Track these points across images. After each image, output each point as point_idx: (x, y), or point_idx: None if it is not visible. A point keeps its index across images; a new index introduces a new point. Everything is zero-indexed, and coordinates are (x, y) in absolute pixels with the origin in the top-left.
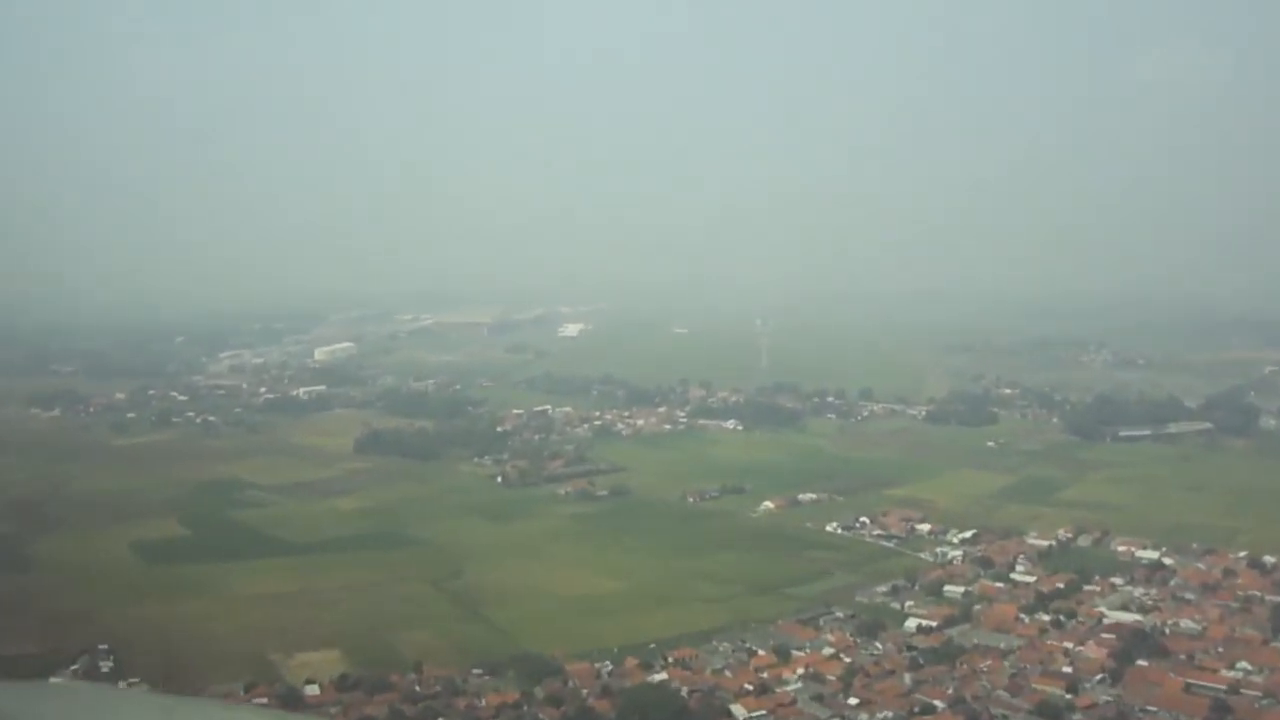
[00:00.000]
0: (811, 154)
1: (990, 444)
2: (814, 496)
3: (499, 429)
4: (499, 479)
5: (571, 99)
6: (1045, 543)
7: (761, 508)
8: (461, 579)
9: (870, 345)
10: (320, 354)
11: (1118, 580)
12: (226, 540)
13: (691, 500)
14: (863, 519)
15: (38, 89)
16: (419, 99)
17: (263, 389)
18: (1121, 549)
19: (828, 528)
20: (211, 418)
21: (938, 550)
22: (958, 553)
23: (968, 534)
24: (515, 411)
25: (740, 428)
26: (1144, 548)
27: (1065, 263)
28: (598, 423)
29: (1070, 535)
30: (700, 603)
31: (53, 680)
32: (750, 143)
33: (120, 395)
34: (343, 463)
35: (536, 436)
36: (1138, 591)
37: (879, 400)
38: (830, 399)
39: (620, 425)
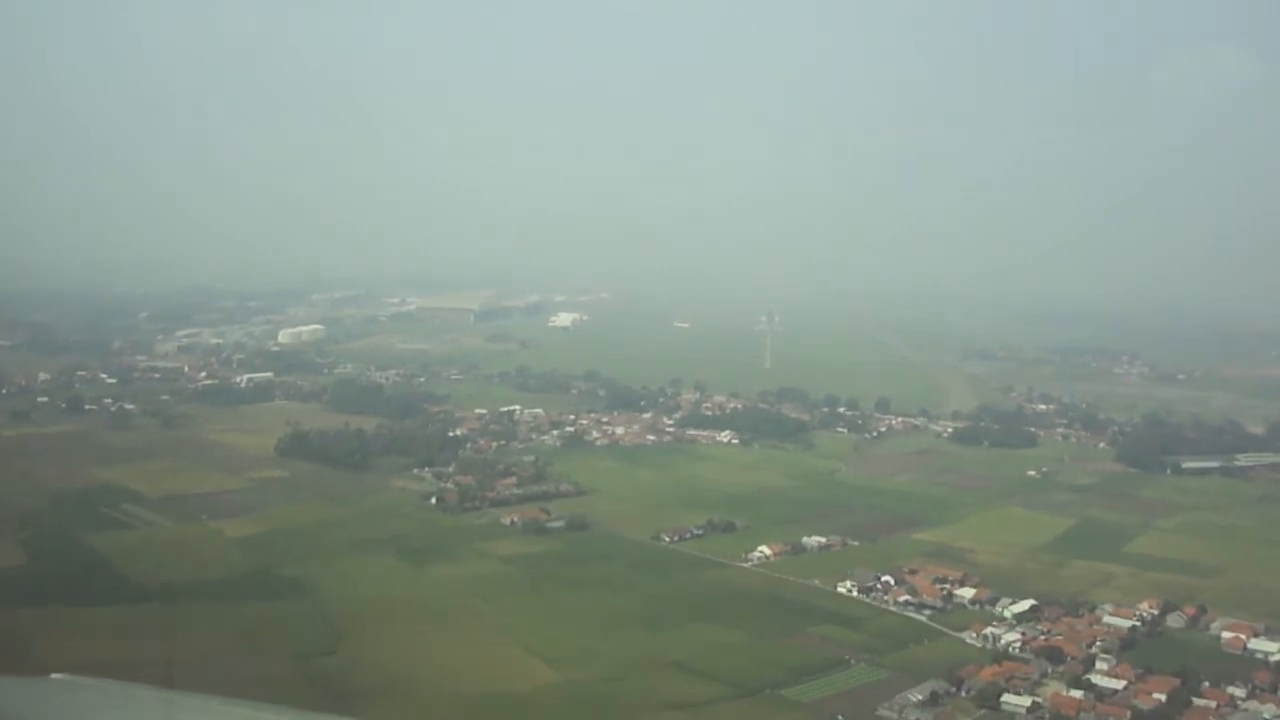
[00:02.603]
0: (823, 148)
1: (1032, 473)
2: (822, 540)
3: (452, 433)
4: (434, 500)
5: (579, 84)
6: (1126, 622)
7: (756, 554)
8: (338, 654)
9: (882, 347)
10: (284, 336)
11: (1237, 690)
12: (66, 576)
13: (667, 540)
14: (885, 578)
15: (22, 53)
16: (424, 80)
17: (203, 373)
18: (1227, 635)
19: (840, 588)
20: (130, 406)
21: (987, 631)
22: (1014, 636)
23: (1024, 605)
24: (478, 411)
25: (736, 441)
26: (1257, 635)
27: (1080, 266)
28: (570, 429)
29: (1156, 611)
30: (661, 710)
31: (55, 675)
32: (761, 135)
33: (45, 375)
34: (256, 469)
35: (494, 444)
36: (1267, 712)
37: (897, 412)
38: (841, 409)
39: (595, 433)
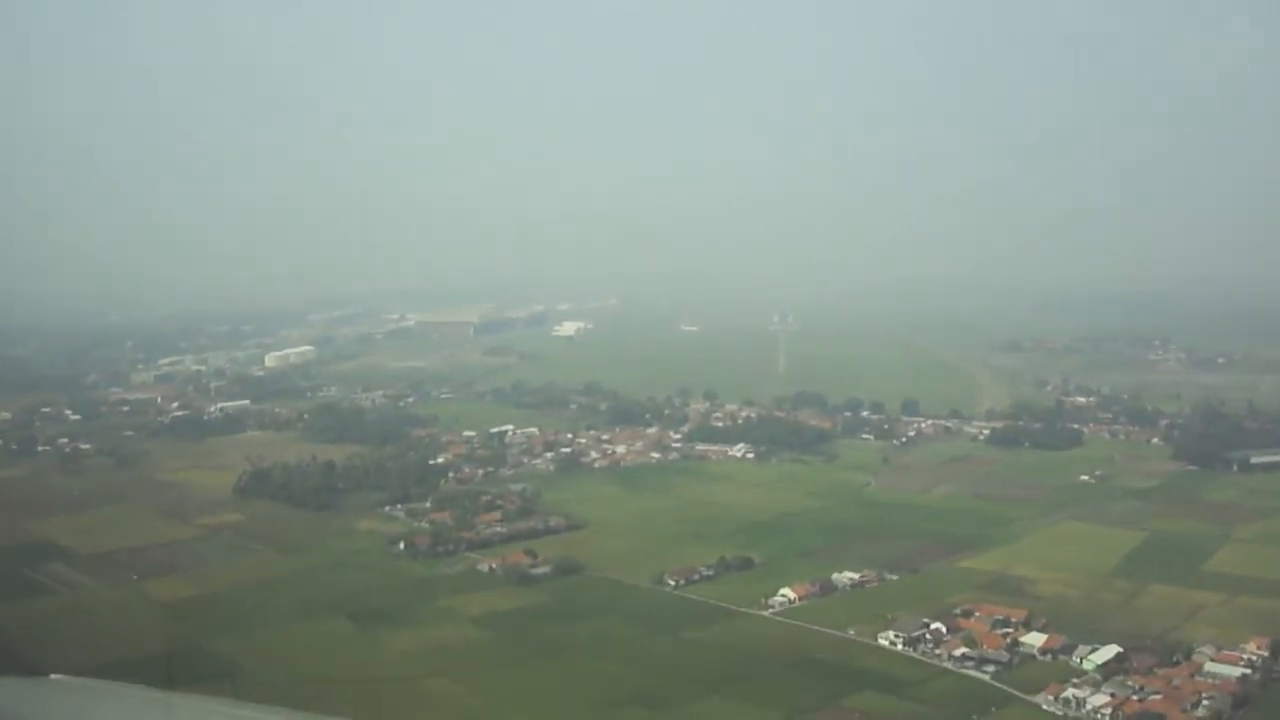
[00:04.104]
0: (827, 145)
1: (1085, 478)
2: (854, 577)
3: (434, 461)
4: (402, 545)
5: (579, 88)
6: (1233, 670)
7: (778, 598)
8: None
9: (901, 342)
10: (271, 360)
11: None
12: None
13: (672, 584)
14: (935, 625)
15: (10, 73)
16: (423, 86)
17: (175, 404)
18: None
19: (881, 639)
20: (85, 445)
21: (1068, 694)
22: (1102, 699)
23: (1107, 653)
24: (466, 434)
25: (751, 456)
26: None
27: (1093, 250)
28: (566, 450)
29: (1265, 652)
30: None
31: (54, 676)
32: (763, 134)
33: (5, 414)
34: (208, 514)
35: (480, 472)
36: None
37: (926, 414)
38: (865, 413)
39: (594, 453)
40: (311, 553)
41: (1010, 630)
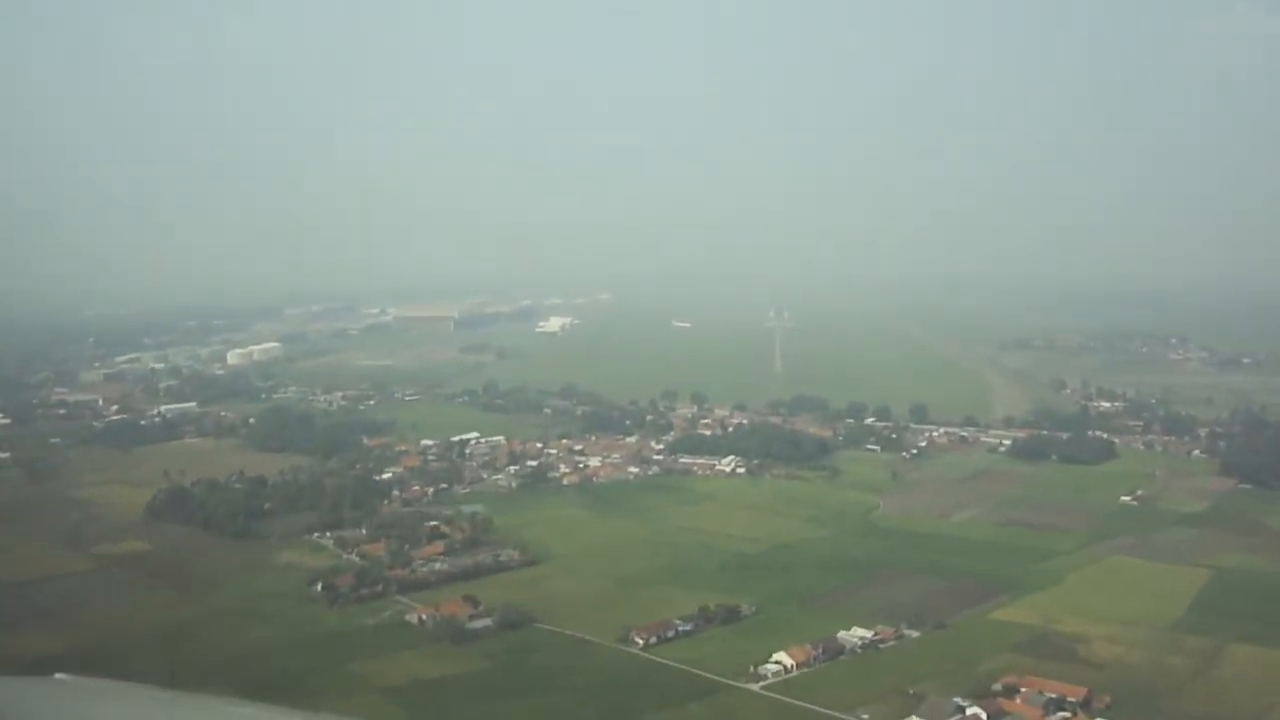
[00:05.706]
0: (832, 136)
1: (1126, 498)
2: (866, 636)
3: (381, 476)
4: (320, 586)
5: (582, 87)
6: None
7: (770, 666)
8: None
9: (905, 340)
10: (233, 357)
11: None
12: None
13: (640, 643)
14: (973, 710)
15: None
16: (420, 92)
17: (115, 407)
18: None
19: None
20: (3, 454)
21: None
22: None
23: None
24: (424, 443)
25: (742, 470)
26: None
27: (1097, 247)
28: (532, 463)
29: None
30: None
31: (58, 675)
32: (768, 126)
33: None
34: (111, 541)
35: (431, 490)
36: None
37: (937, 421)
38: (870, 419)
39: (564, 466)
40: (214, 594)
41: (1067, 715)
